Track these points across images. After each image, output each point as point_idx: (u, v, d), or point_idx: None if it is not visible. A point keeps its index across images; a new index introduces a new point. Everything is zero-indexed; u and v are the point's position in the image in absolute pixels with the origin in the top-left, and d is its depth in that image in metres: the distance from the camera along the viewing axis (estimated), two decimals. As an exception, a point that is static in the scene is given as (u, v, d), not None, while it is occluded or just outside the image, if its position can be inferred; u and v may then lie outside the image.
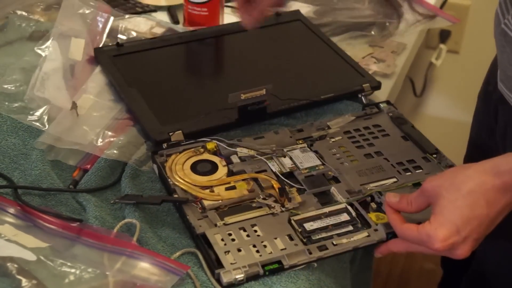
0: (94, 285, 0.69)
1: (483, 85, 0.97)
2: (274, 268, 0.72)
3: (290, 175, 0.84)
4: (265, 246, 0.73)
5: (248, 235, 0.75)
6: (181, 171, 0.83)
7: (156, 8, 1.19)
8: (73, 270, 0.70)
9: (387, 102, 0.97)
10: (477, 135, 0.99)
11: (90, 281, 0.69)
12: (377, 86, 0.99)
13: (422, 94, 1.61)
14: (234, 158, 0.86)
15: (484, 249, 0.69)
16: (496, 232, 0.69)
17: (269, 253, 0.73)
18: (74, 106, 0.90)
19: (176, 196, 0.80)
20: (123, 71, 0.98)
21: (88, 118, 0.90)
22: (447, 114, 1.59)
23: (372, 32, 1.13)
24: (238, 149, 0.86)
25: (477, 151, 0.99)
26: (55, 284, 0.68)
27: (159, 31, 1.09)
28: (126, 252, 0.73)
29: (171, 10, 1.19)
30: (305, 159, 0.86)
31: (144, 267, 0.71)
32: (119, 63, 0.99)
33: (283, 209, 0.78)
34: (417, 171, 0.85)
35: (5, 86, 0.94)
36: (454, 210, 0.67)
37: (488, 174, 0.67)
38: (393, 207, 0.73)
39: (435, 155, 0.88)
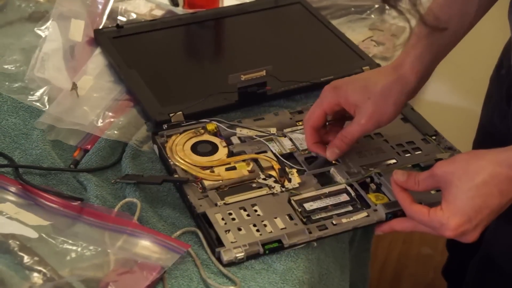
0: (95, 262, 0.69)
1: (495, 69, 0.97)
2: (274, 247, 0.72)
3: (290, 156, 0.84)
4: (265, 225, 0.74)
5: (248, 215, 0.75)
6: (181, 152, 0.83)
7: (156, -10, 1.18)
8: (74, 248, 0.70)
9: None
10: (488, 120, 0.99)
11: (91, 258, 0.70)
12: (376, 69, 0.99)
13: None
14: (234, 139, 0.86)
15: (493, 232, 0.69)
16: (505, 215, 0.69)
17: (269, 232, 0.73)
18: (75, 87, 0.90)
19: (176, 176, 0.80)
20: (123, 53, 0.98)
21: (89, 99, 0.90)
22: (446, 99, 1.59)
23: (372, 16, 1.13)
24: (238, 130, 0.87)
25: (488, 136, 0.99)
26: (56, 261, 0.68)
27: (158, 13, 1.09)
28: (127, 231, 0.73)
29: (171, -7, 1.18)
30: (304, 141, 0.86)
31: (145, 245, 0.72)
32: (119, 44, 0.99)
33: (283, 189, 0.79)
34: (416, 153, 0.85)
35: (5, 67, 0.94)
36: (467, 200, 0.67)
37: (503, 166, 0.66)
38: (400, 185, 0.73)
39: (434, 137, 0.88)
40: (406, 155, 0.85)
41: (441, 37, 0.78)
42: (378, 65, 1.00)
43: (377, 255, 1.57)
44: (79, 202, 0.77)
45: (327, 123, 0.84)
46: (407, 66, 0.78)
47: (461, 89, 1.60)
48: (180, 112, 0.87)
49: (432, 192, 0.77)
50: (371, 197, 0.78)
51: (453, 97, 1.59)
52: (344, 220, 0.75)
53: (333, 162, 0.83)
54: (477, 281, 0.99)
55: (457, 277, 1.08)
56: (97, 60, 0.96)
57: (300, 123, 0.90)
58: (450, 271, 1.23)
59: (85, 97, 0.90)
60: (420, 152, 0.86)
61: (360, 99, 0.78)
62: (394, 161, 0.84)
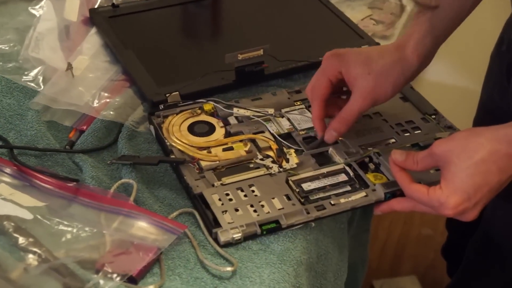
0: (91, 244, 0.69)
1: (496, 46, 0.96)
2: (272, 227, 0.72)
3: (288, 136, 0.83)
4: (262, 206, 0.73)
5: (245, 195, 0.74)
6: (178, 132, 0.82)
7: (152, -31, 1.16)
8: (70, 229, 0.70)
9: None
10: (489, 97, 0.98)
11: (87, 239, 0.69)
12: (376, 48, 0.97)
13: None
14: (232, 119, 0.85)
15: (492, 210, 0.69)
16: (504, 193, 0.69)
17: (267, 213, 0.72)
18: (70, 67, 0.89)
19: (173, 156, 0.79)
20: (119, 33, 0.96)
21: (84, 79, 0.89)
22: (446, 79, 1.58)
23: (372, -6, 1.11)
24: (235, 110, 0.86)
25: (489, 113, 0.98)
26: (52, 242, 0.68)
27: (155, -8, 1.07)
28: (123, 212, 0.72)
29: (167, -29, 1.16)
30: (303, 120, 0.86)
31: (141, 226, 0.71)
32: (115, 24, 0.98)
33: (281, 169, 0.78)
34: (415, 132, 0.85)
35: (-1, 46, 0.93)
36: (466, 178, 0.66)
37: (501, 143, 0.66)
38: (399, 165, 0.73)
39: (433, 116, 0.87)
40: (405, 134, 0.84)
41: (443, 19, 0.77)
42: (378, 44, 0.99)
43: (378, 236, 1.57)
44: (75, 183, 0.76)
45: None
46: (409, 48, 0.77)
47: (461, 68, 1.59)
48: (177, 92, 0.86)
49: (431, 171, 0.77)
50: (370, 177, 0.78)
51: (453, 76, 1.58)
52: (342, 200, 0.75)
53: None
54: (476, 259, 0.99)
55: (457, 256, 1.07)
56: (92, 40, 0.95)
57: (299, 103, 0.89)
58: (449, 251, 1.23)
59: (81, 77, 0.89)
60: (419, 131, 0.85)
61: (361, 73, 0.77)
62: (393, 140, 0.83)
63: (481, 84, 1.03)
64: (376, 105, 0.79)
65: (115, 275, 0.65)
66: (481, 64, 1.06)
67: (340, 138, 0.82)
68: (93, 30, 0.97)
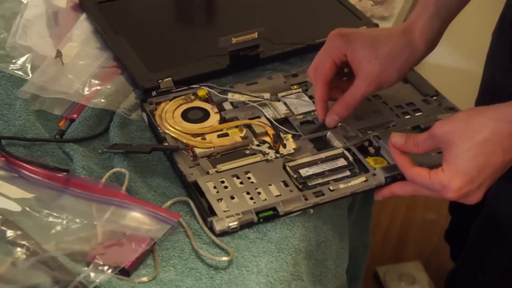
0: (82, 235, 0.67)
1: (498, 23, 0.93)
2: (269, 215, 0.70)
3: (285, 121, 0.81)
4: (259, 193, 0.71)
5: (241, 182, 0.72)
6: (171, 119, 0.80)
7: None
8: (59, 221, 0.68)
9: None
10: (491, 77, 0.96)
11: (77, 231, 0.67)
12: (374, 29, 0.95)
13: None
14: (226, 105, 0.83)
15: (496, 192, 0.67)
16: (508, 174, 0.67)
17: (264, 200, 0.70)
18: (59, 54, 0.87)
19: (166, 144, 0.77)
20: (109, 18, 0.94)
21: (74, 67, 0.87)
22: (446, 60, 1.55)
23: (370, -26, 1.08)
24: (230, 96, 0.84)
25: (491, 93, 0.96)
26: (41, 234, 0.66)
27: (146, -24, 1.05)
28: (115, 202, 0.71)
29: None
30: (300, 105, 0.83)
31: (134, 217, 0.69)
32: (105, 9, 0.96)
33: (278, 155, 0.76)
34: (416, 114, 0.83)
35: (-15, 35, 0.91)
36: (468, 159, 0.64)
37: (504, 122, 0.64)
38: (399, 148, 0.71)
39: (435, 98, 0.85)
40: (406, 117, 0.82)
41: (450, 1, 0.74)
42: (376, 25, 0.96)
43: (381, 221, 1.55)
44: (65, 173, 0.74)
45: None
46: (416, 32, 0.75)
47: (461, 49, 1.56)
48: (170, 78, 0.84)
49: (433, 154, 0.75)
50: (370, 161, 0.76)
51: (452, 58, 1.55)
52: (341, 186, 0.73)
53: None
54: (479, 243, 0.97)
55: (460, 240, 1.05)
56: (82, 26, 0.93)
57: (295, 87, 0.87)
58: (453, 235, 1.21)
59: (70, 64, 0.87)
60: (420, 113, 0.83)
61: (367, 56, 0.74)
62: (393, 123, 0.81)
63: (481, 65, 1.00)
64: (380, 90, 0.77)
65: (106, 267, 0.63)
66: (481, 44, 1.03)
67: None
68: (83, 16, 0.95)
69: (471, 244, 0.98)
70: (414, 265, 1.45)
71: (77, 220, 0.68)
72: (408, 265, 1.45)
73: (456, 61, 1.57)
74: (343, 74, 0.80)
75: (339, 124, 0.79)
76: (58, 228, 0.67)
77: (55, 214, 0.69)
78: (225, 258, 0.66)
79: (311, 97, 0.84)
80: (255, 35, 0.86)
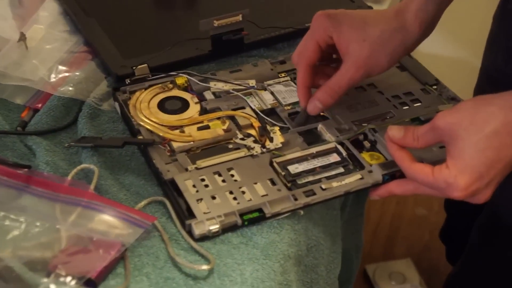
0: (43, 241, 0.60)
1: (500, 3, 0.87)
2: (254, 217, 0.64)
3: (271, 112, 0.76)
4: (243, 192, 0.66)
5: (223, 181, 0.67)
6: (146, 110, 0.74)
7: None
8: (17, 224, 0.61)
9: (380, 29, 0.87)
10: (492, 63, 0.90)
11: (38, 236, 0.60)
12: (368, 12, 0.89)
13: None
14: (208, 94, 0.77)
15: (501, 188, 0.61)
16: None
17: (248, 200, 0.65)
18: (23, 37, 0.81)
19: (140, 137, 0.71)
20: None
21: (39, 51, 0.81)
22: (441, 50, 1.50)
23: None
24: (211, 84, 0.78)
25: (492, 81, 0.91)
26: (-5, 240, 0.59)
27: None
28: (82, 202, 0.64)
29: None
30: (288, 94, 0.78)
31: (103, 219, 0.63)
32: None
33: (264, 150, 0.70)
34: (415, 105, 0.77)
35: None
36: (476, 154, 0.59)
37: None
38: (397, 142, 0.65)
39: (435, 87, 0.80)
40: (404, 107, 0.77)
41: None
42: (370, 8, 0.90)
43: (370, 217, 1.51)
44: (26, 169, 0.68)
45: None
46: (410, 15, 0.70)
47: (454, 37, 1.50)
48: (145, 65, 0.79)
49: (434, 148, 0.69)
50: (365, 157, 0.70)
51: (445, 46, 1.49)
52: (334, 184, 0.67)
53: (321, 115, 0.74)
54: (483, 243, 0.92)
55: (457, 240, 1.00)
56: (49, 7, 0.87)
57: (283, 75, 0.81)
58: (449, 234, 1.15)
59: (35, 49, 0.81)
60: (419, 104, 0.77)
61: (355, 39, 0.69)
62: (390, 114, 0.76)
63: (475, 53, 0.95)
64: (369, 76, 0.71)
65: (69, 278, 0.57)
66: (475, 30, 0.97)
67: (324, 112, 0.74)
68: None
69: (473, 245, 0.93)
70: (405, 263, 1.41)
71: (38, 224, 0.61)
72: (398, 263, 1.41)
73: (447, 50, 1.51)
74: (331, 61, 0.74)
75: (329, 114, 0.74)
76: (16, 232, 0.60)
77: (12, 216, 0.62)
78: (205, 267, 0.60)
79: (300, 87, 0.78)
80: (239, 17, 0.81)
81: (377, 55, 0.69)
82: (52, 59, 0.80)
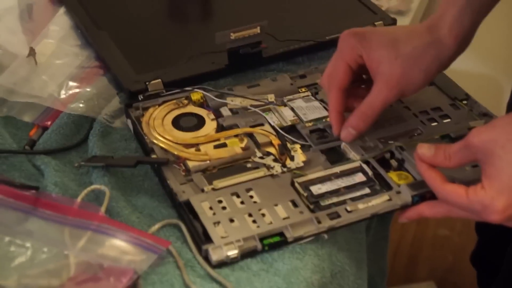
0: (50, 268, 0.57)
1: None
2: (275, 241, 0.61)
3: (292, 129, 0.73)
4: (263, 215, 0.62)
5: (242, 202, 0.63)
6: (160, 127, 0.72)
7: None
8: (23, 250, 0.58)
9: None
10: None
11: (45, 262, 0.57)
12: (391, 24, 0.87)
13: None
14: (224, 111, 0.74)
15: None
16: None
17: (269, 224, 0.61)
18: (32, 52, 0.79)
19: (154, 156, 0.69)
20: (91, 12, 0.87)
21: (49, 67, 0.79)
22: (464, 65, 1.46)
23: (384, -35, 0.99)
24: (228, 100, 0.75)
25: None
26: (0, 267, 0.55)
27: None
28: (92, 226, 0.61)
29: None
30: (309, 110, 0.74)
31: (114, 244, 0.60)
32: (87, 2, 0.88)
33: (285, 169, 0.67)
34: (444, 121, 0.73)
35: None
36: None
37: None
38: (427, 161, 0.62)
39: (465, 102, 0.76)
40: (433, 124, 0.73)
41: None
42: (394, 20, 0.87)
43: (390, 238, 1.46)
44: (34, 191, 0.65)
45: None
46: (444, 28, 0.66)
47: (484, 54, 1.46)
48: (159, 80, 0.77)
49: (467, 168, 0.66)
50: (393, 176, 0.66)
51: (475, 63, 1.45)
52: (360, 206, 0.63)
53: None
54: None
55: (489, 264, 0.95)
56: (60, 21, 0.85)
57: (303, 90, 0.78)
58: (481, 258, 1.11)
59: (45, 64, 0.79)
60: (449, 120, 0.74)
61: (386, 56, 0.66)
62: (418, 131, 0.72)
63: (503, 70, 0.91)
64: (403, 96, 0.68)
65: None
66: (503, 47, 0.94)
67: None
68: (61, 9, 0.87)
69: (507, 271, 0.88)
70: (427, 286, 1.38)
71: (45, 249, 0.58)
72: (421, 286, 1.38)
73: (472, 66, 1.47)
74: (362, 81, 0.71)
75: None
76: (22, 259, 0.57)
77: (18, 241, 0.59)
78: None
79: (322, 101, 0.75)
80: (257, 30, 0.78)
81: (411, 72, 0.66)
82: (62, 75, 0.78)
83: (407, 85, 0.66)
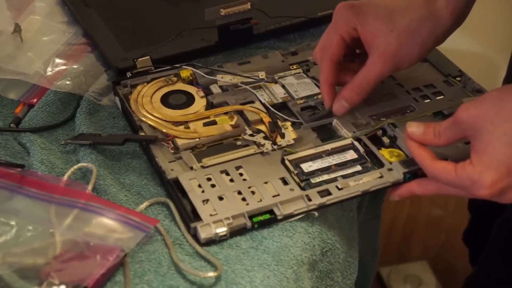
0: (35, 246, 0.56)
1: None
2: (265, 219, 0.60)
3: (282, 106, 0.72)
4: (253, 192, 0.61)
5: (231, 180, 0.63)
6: (149, 104, 0.71)
7: None
8: (8, 228, 0.57)
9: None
10: None
11: (30, 241, 0.56)
12: None
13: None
14: (214, 88, 0.73)
15: None
16: None
17: (258, 201, 0.61)
18: (18, 29, 0.78)
19: (142, 134, 0.68)
20: None
21: (35, 44, 0.78)
22: (459, 43, 1.45)
23: None
24: (218, 77, 0.74)
25: None
26: (-17, 246, 0.55)
27: None
28: (78, 204, 0.60)
29: None
30: (300, 87, 0.73)
31: (101, 222, 0.59)
32: None
33: (275, 147, 0.66)
34: (437, 98, 0.73)
35: None
36: (503, 147, 0.55)
37: None
38: (416, 140, 0.61)
39: (458, 78, 0.75)
40: (425, 101, 0.72)
41: None
42: (386, -4, 0.85)
43: (383, 218, 1.44)
44: (20, 169, 0.64)
45: None
46: (441, 2, 0.66)
47: (479, 32, 1.45)
48: (148, 57, 0.75)
49: (459, 144, 0.65)
50: (384, 154, 0.66)
51: (470, 42, 1.44)
52: (351, 183, 0.63)
53: None
54: (502, 245, 0.87)
55: (481, 242, 0.95)
56: None
57: (295, 67, 0.77)
58: (473, 236, 1.11)
59: (31, 41, 0.78)
60: (442, 96, 0.73)
61: (382, 29, 0.65)
62: (410, 108, 0.71)
63: (499, 48, 0.90)
64: (398, 70, 0.67)
65: (63, 287, 0.52)
66: (498, 26, 0.93)
67: None
68: None
69: (493, 246, 0.88)
70: (420, 265, 1.37)
71: (30, 227, 0.57)
72: (414, 266, 1.37)
73: (468, 45, 1.46)
74: (355, 56, 0.70)
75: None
76: (6, 237, 0.56)
77: (2, 219, 0.58)
78: (211, 274, 0.56)
79: (313, 78, 0.74)
80: (248, 5, 0.77)
81: (406, 46, 0.65)
82: (48, 52, 0.77)
83: (402, 58, 0.66)
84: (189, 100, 0.71)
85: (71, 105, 0.73)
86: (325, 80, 0.67)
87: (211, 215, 0.59)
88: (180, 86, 0.73)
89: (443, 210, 1.50)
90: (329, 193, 0.61)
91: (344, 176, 0.63)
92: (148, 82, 0.73)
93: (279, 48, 0.80)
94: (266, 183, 0.62)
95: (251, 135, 0.67)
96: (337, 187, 0.62)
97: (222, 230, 0.58)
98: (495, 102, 0.56)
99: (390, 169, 0.64)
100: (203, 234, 0.58)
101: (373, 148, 0.66)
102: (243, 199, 0.61)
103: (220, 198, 0.60)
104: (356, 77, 0.66)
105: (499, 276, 0.89)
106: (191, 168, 0.63)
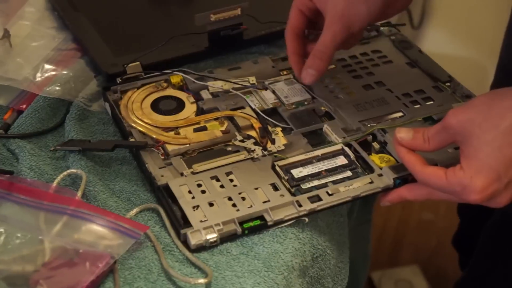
0: (24, 254, 0.55)
1: None
2: (255, 225, 0.60)
3: (273, 112, 0.72)
4: (243, 198, 0.61)
5: (222, 186, 0.62)
6: (139, 110, 0.70)
7: None
8: None
9: (388, 23, 0.82)
10: (510, 56, 0.85)
11: (19, 248, 0.56)
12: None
13: (420, 26, 1.47)
14: (204, 94, 0.73)
15: None
16: None
17: (249, 207, 0.60)
18: (7, 34, 0.77)
19: (132, 140, 0.67)
20: None
21: (24, 49, 0.77)
22: (448, 48, 1.46)
23: None
24: (209, 83, 0.74)
25: (510, 73, 0.86)
26: (-29, 253, 0.54)
27: None
28: (68, 211, 0.60)
29: None
30: (291, 93, 0.73)
31: (91, 229, 0.58)
32: None
33: (265, 152, 0.66)
34: (427, 103, 0.73)
35: None
36: (493, 152, 0.55)
37: None
38: (406, 145, 0.61)
39: (448, 84, 0.75)
40: (415, 106, 0.72)
41: None
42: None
43: (374, 222, 1.44)
44: (8, 175, 0.63)
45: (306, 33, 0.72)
46: None
47: (469, 37, 1.46)
48: (138, 63, 0.75)
49: (449, 150, 0.65)
50: (375, 159, 0.65)
51: (459, 46, 1.45)
52: (342, 189, 0.62)
53: (327, 115, 0.71)
54: (491, 248, 0.87)
55: (471, 246, 0.95)
56: (36, 3, 0.83)
57: (285, 72, 0.77)
58: (462, 240, 1.11)
59: (20, 46, 0.77)
60: (432, 102, 0.73)
61: None
62: (400, 114, 0.71)
63: (488, 52, 0.90)
64: (351, 30, 0.67)
65: None
66: (487, 29, 0.93)
67: (330, 112, 0.70)
68: None
69: (481, 249, 0.89)
70: (411, 270, 1.37)
71: (19, 234, 0.57)
72: (405, 270, 1.37)
73: (457, 49, 1.47)
74: (320, 29, 0.71)
75: (319, 78, 0.70)
76: (-6, 244, 0.55)
77: (-10, 227, 0.57)
78: (202, 280, 0.55)
79: (303, 84, 0.74)
80: (238, 11, 0.76)
81: (353, 4, 0.66)
82: (38, 57, 0.76)
83: (353, 17, 0.66)
84: (179, 106, 0.71)
85: (61, 111, 0.72)
86: (290, 51, 0.70)
87: (201, 221, 0.59)
88: (170, 92, 0.73)
89: (434, 214, 1.51)
90: (320, 199, 0.61)
91: (334, 182, 0.63)
92: (138, 88, 0.73)
93: (270, 54, 0.80)
94: (256, 189, 0.62)
95: (241, 140, 0.67)
96: (327, 192, 0.62)
97: (212, 236, 0.58)
98: (484, 107, 0.56)
99: (380, 175, 0.63)
100: (193, 241, 0.57)
101: (363, 153, 0.66)
102: (234, 205, 0.60)
103: (211, 204, 0.60)
104: (316, 44, 0.68)
105: (487, 279, 0.90)
106: (181, 174, 0.63)
